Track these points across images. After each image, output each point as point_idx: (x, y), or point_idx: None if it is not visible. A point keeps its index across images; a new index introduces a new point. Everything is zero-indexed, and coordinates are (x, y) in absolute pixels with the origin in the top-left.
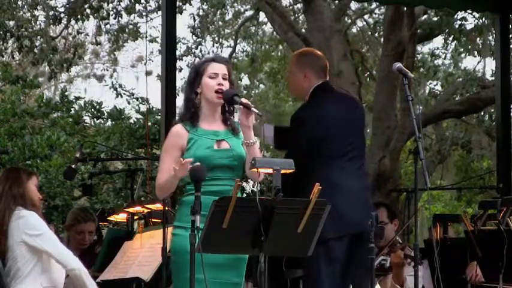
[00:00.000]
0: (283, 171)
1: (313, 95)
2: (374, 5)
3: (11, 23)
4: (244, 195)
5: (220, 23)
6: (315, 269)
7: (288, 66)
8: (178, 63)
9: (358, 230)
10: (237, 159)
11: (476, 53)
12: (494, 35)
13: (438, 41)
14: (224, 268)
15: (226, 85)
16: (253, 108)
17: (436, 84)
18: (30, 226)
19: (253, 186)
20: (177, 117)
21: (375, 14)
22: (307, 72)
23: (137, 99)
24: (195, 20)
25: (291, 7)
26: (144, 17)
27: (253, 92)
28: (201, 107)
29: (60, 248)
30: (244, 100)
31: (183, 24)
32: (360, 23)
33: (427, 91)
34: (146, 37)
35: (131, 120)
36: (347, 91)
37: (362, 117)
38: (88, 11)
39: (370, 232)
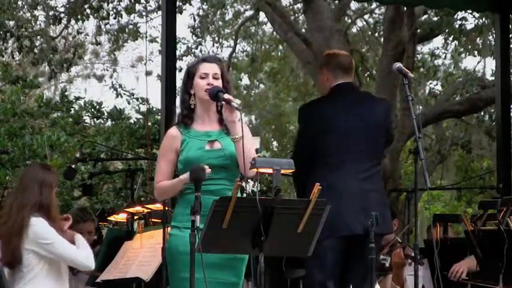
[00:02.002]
0: (283, 171)
1: (327, 94)
2: (374, 5)
3: (11, 23)
4: (244, 195)
5: (220, 23)
6: (307, 268)
7: None
8: (178, 63)
9: (346, 233)
10: (229, 159)
11: (476, 53)
12: (494, 35)
13: (438, 41)
14: (221, 268)
15: (218, 84)
16: (233, 103)
17: (436, 84)
18: (40, 236)
19: (253, 186)
20: (176, 119)
21: (375, 14)
22: (325, 72)
23: (137, 99)
24: (195, 20)
25: (291, 7)
26: (144, 17)
27: (253, 92)
28: (195, 108)
29: (73, 252)
30: (226, 95)
31: (183, 24)
32: (360, 23)
33: (427, 91)
34: (146, 37)
35: (131, 120)
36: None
37: (380, 119)
38: (88, 11)
39: (370, 232)
